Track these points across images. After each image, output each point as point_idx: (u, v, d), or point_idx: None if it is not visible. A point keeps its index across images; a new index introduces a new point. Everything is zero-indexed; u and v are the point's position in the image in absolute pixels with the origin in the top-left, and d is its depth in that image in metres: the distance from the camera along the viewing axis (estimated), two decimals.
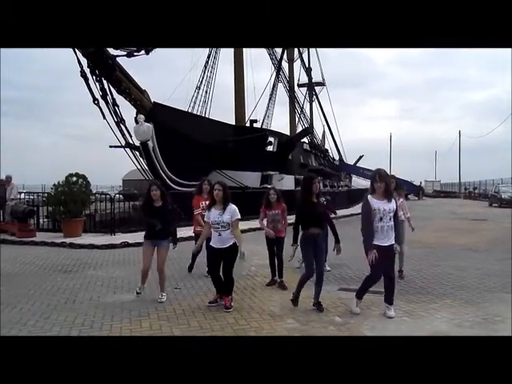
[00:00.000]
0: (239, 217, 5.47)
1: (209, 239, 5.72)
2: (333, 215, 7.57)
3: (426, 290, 6.28)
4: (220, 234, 5.38)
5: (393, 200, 5.08)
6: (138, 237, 11.44)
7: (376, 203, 4.97)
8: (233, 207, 5.44)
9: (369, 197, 5.02)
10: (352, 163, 53.39)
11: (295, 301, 5.44)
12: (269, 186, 18.94)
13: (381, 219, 4.94)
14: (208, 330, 4.65)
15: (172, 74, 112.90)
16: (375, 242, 4.92)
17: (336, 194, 24.81)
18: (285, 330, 4.64)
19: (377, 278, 5.12)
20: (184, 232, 9.74)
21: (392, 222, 5.00)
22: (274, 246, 6.74)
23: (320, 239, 5.37)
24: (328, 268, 7.53)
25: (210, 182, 7.04)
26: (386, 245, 4.96)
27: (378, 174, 5.02)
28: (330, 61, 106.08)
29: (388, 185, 5.04)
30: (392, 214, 5.01)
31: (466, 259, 8.84)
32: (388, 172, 5.63)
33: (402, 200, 7.04)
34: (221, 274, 5.57)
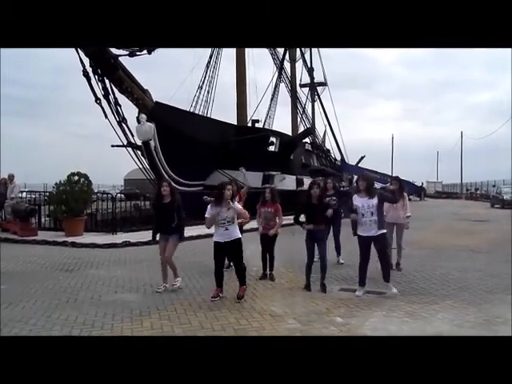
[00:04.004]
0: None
1: None
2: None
3: (428, 291, 6.27)
4: (227, 229, 5.76)
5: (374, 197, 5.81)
6: (140, 236, 11.50)
7: (358, 201, 5.90)
8: (235, 203, 5.95)
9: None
10: (354, 164, 53.29)
11: (308, 287, 6.30)
12: (271, 186, 18.97)
13: (363, 215, 5.84)
14: (209, 330, 4.65)
15: (174, 73, 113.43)
16: (359, 233, 5.97)
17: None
18: (286, 330, 4.64)
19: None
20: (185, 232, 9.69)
21: (374, 217, 5.78)
22: (267, 241, 7.21)
23: (317, 233, 6.27)
24: (342, 261, 8.46)
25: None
26: (369, 235, 5.84)
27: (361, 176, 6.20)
28: (333, 61, 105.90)
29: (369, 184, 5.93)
30: (373, 210, 5.77)
31: (468, 260, 8.82)
32: (393, 174, 6.35)
33: (405, 201, 7.82)
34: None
